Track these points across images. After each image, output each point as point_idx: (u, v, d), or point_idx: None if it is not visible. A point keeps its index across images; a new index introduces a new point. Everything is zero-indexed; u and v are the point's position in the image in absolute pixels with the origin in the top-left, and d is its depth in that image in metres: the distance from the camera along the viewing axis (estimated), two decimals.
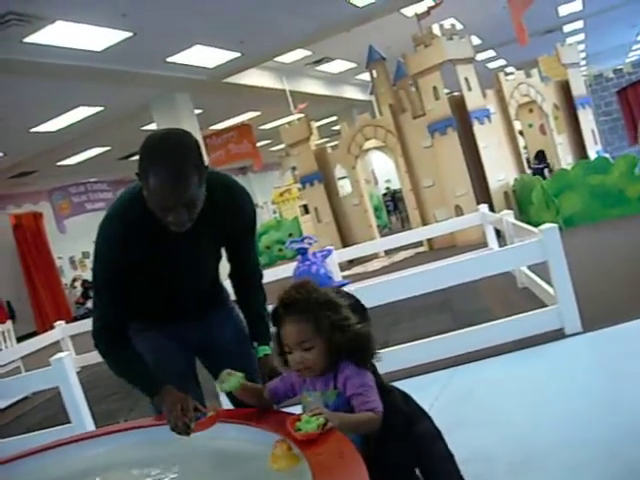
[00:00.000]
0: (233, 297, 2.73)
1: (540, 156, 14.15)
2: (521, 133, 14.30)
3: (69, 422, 4.98)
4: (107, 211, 2.29)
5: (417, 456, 2.02)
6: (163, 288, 2.40)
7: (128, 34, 9.41)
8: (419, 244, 12.42)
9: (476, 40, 16.69)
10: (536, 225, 5.22)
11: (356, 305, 2.12)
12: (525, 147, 14.59)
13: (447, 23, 11.62)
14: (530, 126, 14.74)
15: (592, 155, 12.48)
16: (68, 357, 5.01)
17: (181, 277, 2.40)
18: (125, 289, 2.27)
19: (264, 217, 26.99)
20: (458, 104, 11.43)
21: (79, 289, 19.71)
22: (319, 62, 15.93)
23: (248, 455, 2.02)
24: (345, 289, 2.51)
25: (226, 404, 2.80)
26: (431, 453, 2.04)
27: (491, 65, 23.04)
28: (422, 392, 2.11)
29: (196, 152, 2.13)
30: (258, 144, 17.77)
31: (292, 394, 2.11)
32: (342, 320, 1.96)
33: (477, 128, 11.17)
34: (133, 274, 2.25)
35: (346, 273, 11.05)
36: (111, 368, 2.33)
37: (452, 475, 2.09)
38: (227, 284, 2.72)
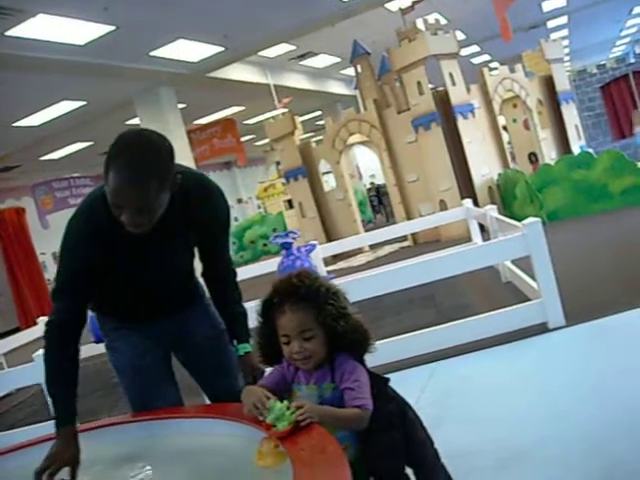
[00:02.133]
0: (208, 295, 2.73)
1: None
2: (505, 128, 14.33)
3: (52, 419, 4.95)
4: (78, 207, 2.27)
5: (407, 441, 2.01)
6: (135, 285, 2.37)
7: (111, 28, 9.37)
8: (403, 239, 12.45)
9: (460, 35, 16.74)
10: (520, 220, 5.23)
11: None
12: (509, 142, 14.62)
13: (431, 18, 11.61)
14: (514, 121, 14.77)
15: (576, 150, 12.53)
16: None
17: (152, 274, 2.38)
18: (88, 288, 2.23)
19: (248, 212, 26.97)
20: (442, 99, 11.44)
21: None
22: (303, 57, 15.93)
23: (233, 451, 2.00)
24: None
25: (206, 399, 2.79)
26: (416, 439, 2.05)
27: (475, 60, 23.12)
28: (406, 387, 2.12)
29: (164, 157, 2.09)
30: (242, 139, 17.78)
31: (285, 387, 2.05)
32: (344, 308, 1.96)
33: (461, 123, 11.18)
34: (103, 271, 2.22)
35: (330, 268, 11.05)
36: (45, 367, 2.24)
37: (434, 460, 2.10)
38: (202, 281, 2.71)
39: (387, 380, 2.07)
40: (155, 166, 2.04)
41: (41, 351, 4.93)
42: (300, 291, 1.95)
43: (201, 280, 2.67)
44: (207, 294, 2.71)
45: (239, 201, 30.22)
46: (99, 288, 2.27)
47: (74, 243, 2.20)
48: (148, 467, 2.13)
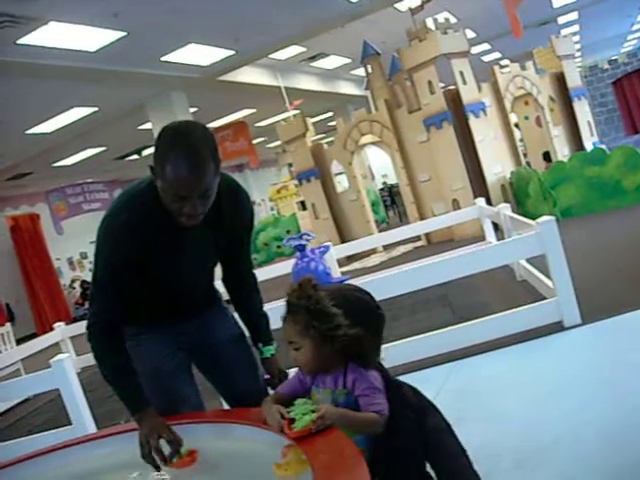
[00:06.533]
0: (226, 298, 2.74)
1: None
2: (517, 126, 14.28)
3: (70, 424, 4.98)
4: (112, 205, 2.26)
5: (426, 450, 1.98)
6: (166, 284, 2.37)
7: (121, 34, 9.40)
8: (417, 239, 12.43)
9: (470, 33, 16.67)
10: (534, 217, 5.22)
11: (359, 307, 2.04)
12: (521, 140, 14.58)
13: (441, 17, 11.59)
14: (526, 119, 14.72)
15: (588, 147, 12.48)
16: (68, 359, 5.00)
17: (184, 273, 2.38)
18: (127, 285, 2.24)
19: (262, 214, 27.00)
20: (453, 98, 11.41)
21: (78, 290, 19.71)
22: (314, 58, 15.92)
23: (255, 456, 2.00)
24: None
25: (224, 405, 2.79)
26: (440, 447, 2.01)
27: (486, 58, 23.03)
28: (423, 387, 2.11)
29: (213, 143, 2.13)
30: (254, 141, 17.79)
31: (304, 391, 2.06)
32: (331, 330, 1.91)
33: (473, 121, 11.15)
34: (137, 269, 2.23)
35: (345, 269, 11.06)
36: (100, 370, 2.28)
37: (463, 468, 2.04)
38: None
39: (401, 385, 2.06)
40: (209, 149, 2.08)
41: (58, 357, 4.97)
42: (290, 304, 1.98)
43: (220, 286, 2.68)
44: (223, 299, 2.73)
45: (252, 203, 30.25)
46: (130, 287, 2.27)
47: (115, 239, 2.19)
48: (165, 474, 2.13)
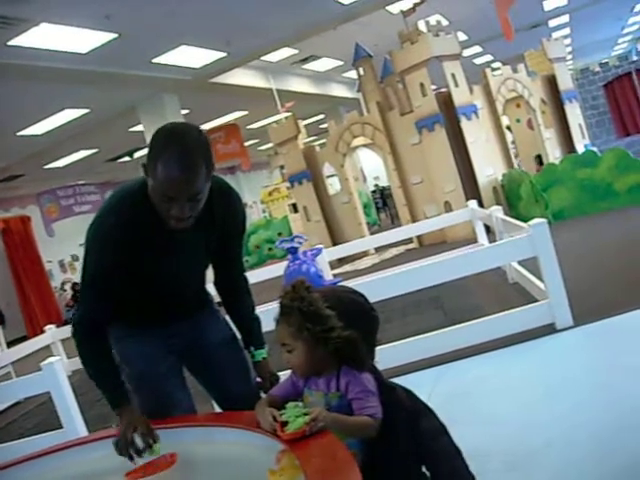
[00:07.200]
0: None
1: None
2: (509, 128, 14.31)
3: (61, 427, 4.96)
4: (102, 206, 2.26)
5: (421, 453, 1.98)
6: (157, 286, 2.37)
7: (113, 35, 9.37)
8: (409, 241, 12.44)
9: (462, 36, 16.72)
10: (525, 220, 5.23)
11: (353, 309, 2.05)
12: (513, 142, 14.60)
13: (433, 19, 11.61)
14: (518, 121, 14.75)
15: (580, 149, 12.51)
16: (59, 362, 4.99)
17: (175, 275, 2.38)
18: (116, 287, 2.24)
19: (253, 217, 26.95)
20: (445, 100, 11.43)
21: (69, 292, 19.63)
22: (305, 60, 15.91)
23: (246, 461, 2.00)
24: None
25: (216, 408, 2.79)
26: (435, 449, 2.00)
27: (477, 61, 23.09)
28: (414, 390, 2.10)
29: (207, 147, 2.12)
30: (246, 143, 17.77)
31: (296, 394, 2.06)
32: (325, 332, 1.91)
33: (465, 124, 11.17)
34: (127, 271, 2.23)
35: (336, 271, 11.04)
36: (84, 366, 2.31)
37: (458, 470, 2.04)
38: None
39: (394, 388, 2.05)
40: (202, 153, 2.08)
41: (49, 360, 4.96)
42: (283, 306, 1.98)
43: (212, 289, 2.67)
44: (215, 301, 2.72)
45: (244, 206, 30.12)
46: (120, 289, 2.28)
47: (104, 240, 2.19)
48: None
